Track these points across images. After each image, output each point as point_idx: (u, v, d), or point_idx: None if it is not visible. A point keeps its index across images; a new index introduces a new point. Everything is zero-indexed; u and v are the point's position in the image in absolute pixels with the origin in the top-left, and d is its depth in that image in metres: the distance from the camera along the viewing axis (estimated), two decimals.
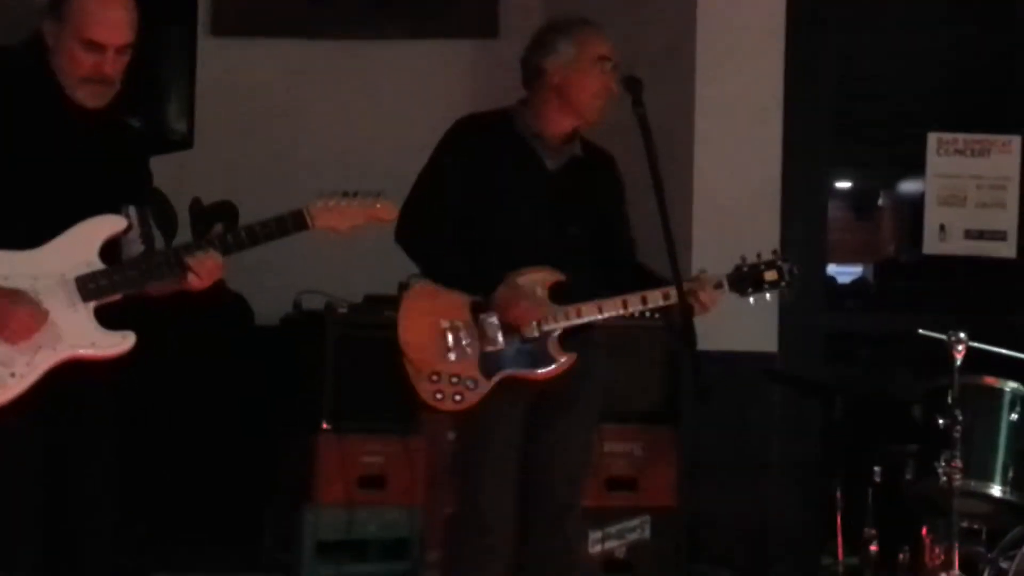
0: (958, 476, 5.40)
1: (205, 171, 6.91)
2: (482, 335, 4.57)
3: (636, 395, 6.37)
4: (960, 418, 5.41)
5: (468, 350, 4.57)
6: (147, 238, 4.06)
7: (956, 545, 5.40)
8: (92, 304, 3.91)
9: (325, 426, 6.22)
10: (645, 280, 4.68)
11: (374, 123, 7.43)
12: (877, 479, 5.82)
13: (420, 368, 4.59)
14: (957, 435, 5.41)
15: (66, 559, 4.00)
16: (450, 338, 4.57)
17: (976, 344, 5.49)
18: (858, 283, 11.35)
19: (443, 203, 4.61)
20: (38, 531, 3.95)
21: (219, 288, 4.15)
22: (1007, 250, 6.95)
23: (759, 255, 4.65)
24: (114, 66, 3.95)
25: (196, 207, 6.68)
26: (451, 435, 4.92)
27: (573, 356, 4.61)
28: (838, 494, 5.76)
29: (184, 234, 6.03)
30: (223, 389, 6.53)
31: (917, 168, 7.17)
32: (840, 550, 5.80)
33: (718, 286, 4.60)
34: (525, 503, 4.68)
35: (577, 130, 4.73)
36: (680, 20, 6.91)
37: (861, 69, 7.54)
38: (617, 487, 6.33)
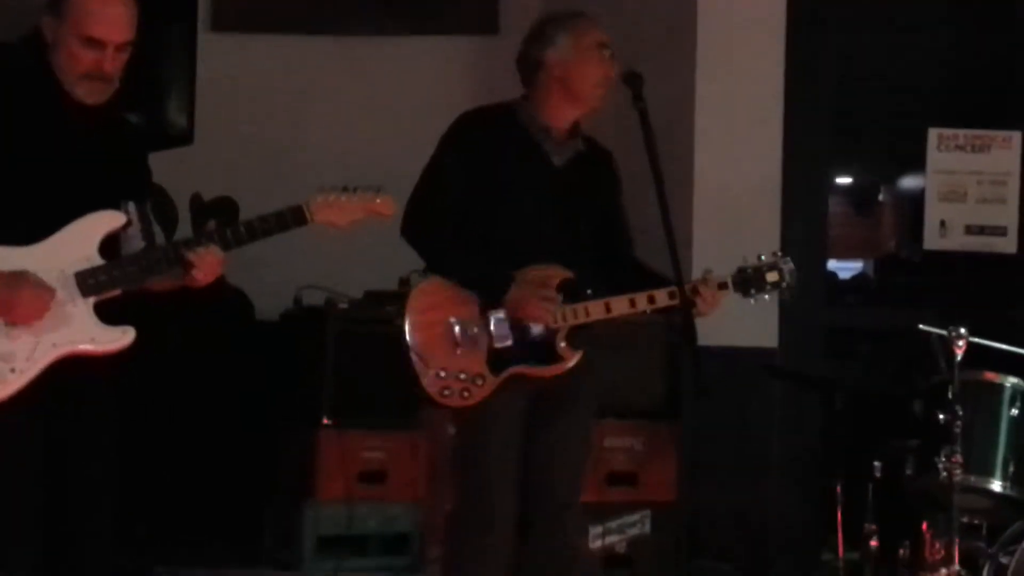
0: (958, 471, 5.39)
1: (205, 167, 6.91)
2: (490, 331, 4.57)
3: (637, 390, 6.37)
4: (960, 413, 5.40)
5: (476, 346, 4.57)
6: (147, 234, 4.06)
7: (956, 540, 5.39)
8: (92, 300, 3.91)
9: (325, 421, 6.22)
10: (644, 276, 4.69)
11: (374, 119, 7.42)
12: (877, 474, 5.81)
13: (428, 364, 4.58)
14: (957, 430, 5.40)
15: (66, 556, 3.99)
16: (458, 334, 4.57)
17: (977, 339, 5.49)
18: (858, 279, 11.36)
19: (449, 198, 4.60)
20: (38, 528, 3.94)
21: (219, 283, 4.15)
22: (1007, 246, 6.94)
23: (760, 256, 4.65)
24: (113, 63, 3.94)
25: (196, 202, 6.68)
26: (451, 430, 4.90)
27: (580, 354, 4.61)
28: (838, 489, 5.75)
29: (185, 229, 6.04)
30: (223, 385, 6.54)
31: (917, 164, 7.16)
32: (840, 545, 5.79)
33: (722, 287, 4.60)
34: (524, 502, 4.68)
35: (579, 122, 4.73)
36: (680, 16, 6.91)
37: (861, 65, 7.55)
38: (617, 482, 6.33)
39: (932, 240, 7.00)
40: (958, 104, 7.40)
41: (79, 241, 3.92)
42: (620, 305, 4.58)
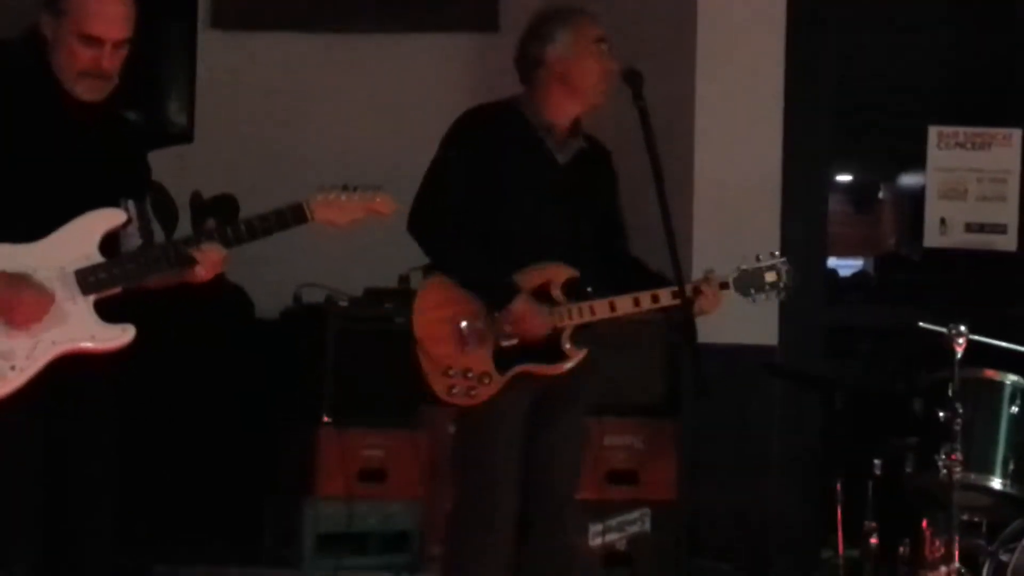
0: (958, 469, 5.39)
1: (205, 164, 6.91)
2: (497, 329, 4.57)
3: (637, 388, 6.37)
4: (960, 411, 5.40)
5: (482, 344, 4.57)
6: (146, 232, 4.05)
7: (956, 538, 5.39)
8: (92, 297, 3.91)
9: (325, 419, 6.22)
10: (641, 274, 4.71)
11: (374, 117, 7.42)
12: (877, 472, 5.81)
13: (436, 362, 4.57)
14: (957, 428, 5.40)
15: (66, 555, 3.99)
16: (465, 332, 4.56)
17: (976, 337, 5.49)
18: (859, 277, 11.35)
19: (455, 196, 4.59)
20: (38, 527, 3.94)
21: (219, 281, 4.15)
22: (1007, 243, 6.93)
23: (758, 256, 4.66)
24: (112, 61, 3.94)
25: (197, 200, 6.67)
26: (451, 428, 4.90)
27: (585, 352, 4.61)
28: (838, 487, 5.74)
29: (185, 227, 6.02)
30: (223, 383, 6.53)
31: (917, 162, 7.16)
32: (840, 543, 5.79)
33: (723, 286, 4.61)
34: (524, 501, 4.67)
35: (579, 119, 4.73)
36: (680, 16, 6.90)
37: (861, 64, 7.55)
38: (617, 480, 6.32)
39: (932, 238, 7.00)
40: (958, 102, 7.40)
41: (79, 239, 3.92)
42: (625, 304, 4.58)
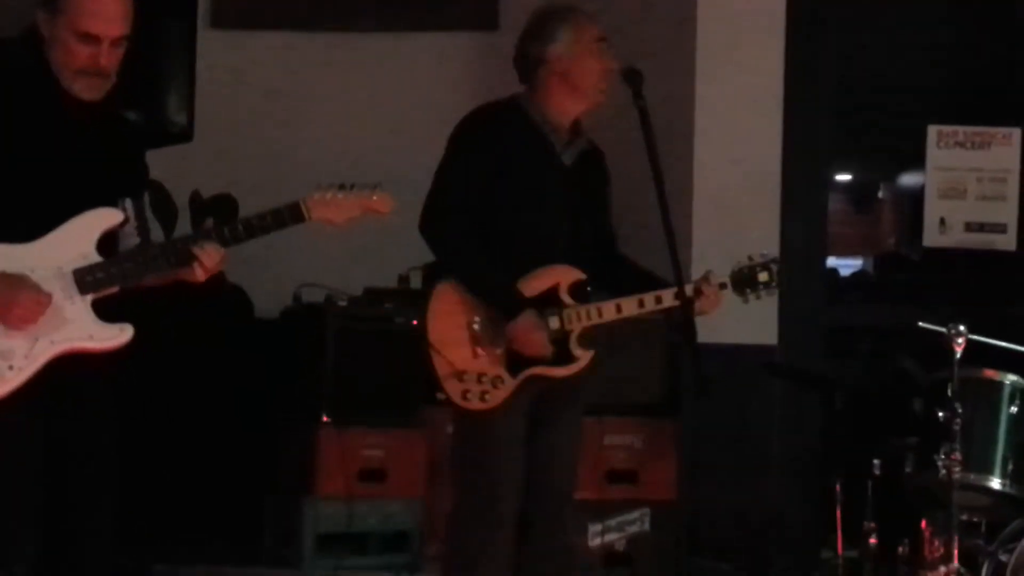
0: (958, 469, 5.38)
1: (205, 164, 6.90)
2: (507, 333, 4.56)
3: (637, 388, 6.37)
4: (960, 411, 5.39)
5: (494, 347, 4.56)
6: (143, 231, 4.04)
7: (956, 538, 5.39)
8: (90, 297, 3.90)
9: (325, 419, 6.20)
10: (634, 273, 4.73)
11: (373, 115, 7.41)
12: (877, 472, 5.81)
13: (450, 366, 4.56)
14: (957, 428, 5.39)
15: (65, 554, 3.98)
16: (478, 335, 4.56)
17: (976, 337, 5.48)
18: (858, 276, 11.35)
19: (466, 198, 4.58)
20: (37, 527, 3.93)
21: (219, 281, 4.14)
22: (1007, 243, 6.93)
23: (750, 257, 4.67)
24: (109, 58, 3.92)
25: (196, 199, 6.66)
26: (450, 428, 4.88)
27: (592, 353, 4.62)
28: (838, 487, 5.74)
29: (184, 226, 6.02)
30: (223, 382, 6.52)
31: (917, 161, 7.15)
32: (840, 543, 5.78)
33: (722, 287, 4.62)
34: (525, 500, 4.66)
35: (580, 119, 4.72)
36: (680, 16, 6.90)
37: (861, 64, 7.54)
38: (617, 480, 6.32)
39: (932, 237, 6.99)
40: (958, 101, 7.40)
41: (77, 238, 3.90)
42: (630, 306, 4.60)
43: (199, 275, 3.96)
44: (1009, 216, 6.92)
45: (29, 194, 3.88)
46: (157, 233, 4.21)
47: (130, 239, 4.01)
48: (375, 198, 4.11)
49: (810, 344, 6.91)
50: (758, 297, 4.67)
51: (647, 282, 4.62)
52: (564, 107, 4.67)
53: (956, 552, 5.38)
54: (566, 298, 4.60)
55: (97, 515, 4.03)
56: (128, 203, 4.00)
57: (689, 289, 4.50)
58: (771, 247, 4.98)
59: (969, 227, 6.94)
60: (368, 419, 6.25)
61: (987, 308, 6.54)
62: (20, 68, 3.96)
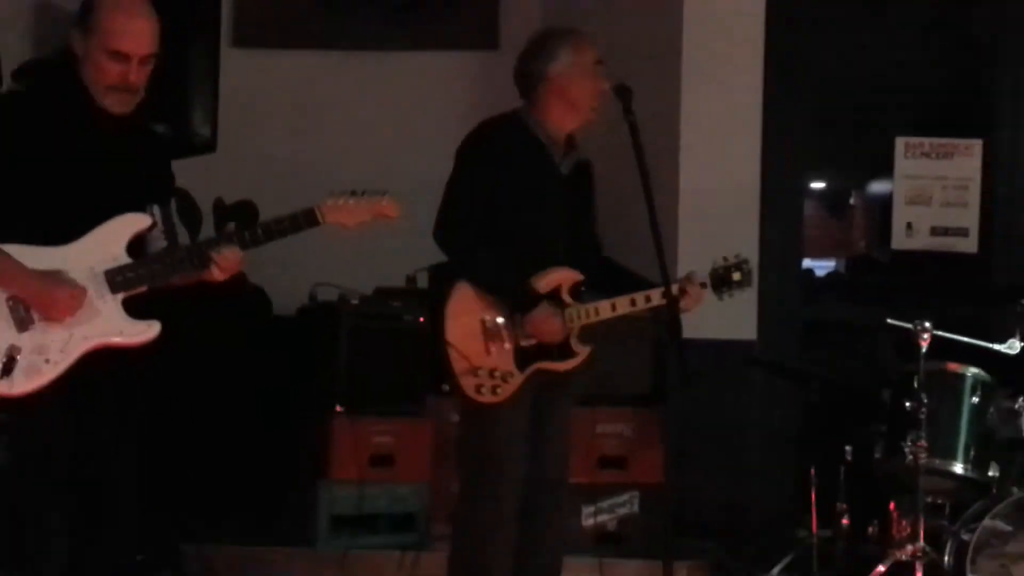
0: (923, 455, 5.39)
1: (227, 173, 6.89)
2: (518, 330, 4.58)
3: (627, 380, 6.36)
4: (925, 401, 5.40)
5: (505, 344, 4.57)
6: (170, 234, 4.04)
7: (921, 519, 5.39)
8: (120, 295, 3.90)
9: (339, 409, 6.19)
10: (619, 274, 4.76)
11: (382, 129, 7.40)
12: (848, 458, 5.81)
13: (465, 363, 4.56)
14: (923, 417, 5.40)
15: (94, 540, 3.97)
16: (491, 333, 4.57)
17: (940, 332, 5.48)
18: (832, 277, 11.32)
19: (475, 208, 4.59)
20: (67, 515, 3.92)
21: (240, 281, 4.14)
22: (969, 246, 6.93)
23: (724, 257, 4.69)
24: (138, 75, 3.93)
25: (219, 206, 6.66)
26: (455, 417, 4.88)
27: (590, 348, 4.65)
28: (812, 471, 5.74)
29: (208, 230, 6.02)
30: (245, 376, 6.51)
31: (886, 170, 7.15)
32: (814, 523, 5.78)
33: (703, 285, 4.64)
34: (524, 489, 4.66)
35: (574, 133, 4.73)
36: (667, 36, 6.89)
37: (834, 81, 7.53)
38: (608, 465, 6.31)
39: (900, 240, 7.00)
40: (924, 115, 7.40)
41: (108, 241, 3.91)
42: (623, 305, 4.63)
43: (215, 276, 3.96)
44: (971, 221, 6.92)
45: (64, 201, 3.89)
46: (184, 237, 4.21)
47: (158, 242, 4.01)
48: (384, 203, 4.11)
49: (787, 339, 6.90)
50: (731, 295, 4.69)
51: (632, 282, 4.65)
52: (561, 121, 4.69)
53: (922, 532, 5.39)
54: (567, 298, 4.62)
55: (125, 502, 4.02)
56: (156, 209, 4.01)
57: (675, 289, 4.51)
58: (751, 250, 4.97)
59: (934, 231, 6.94)
60: (378, 409, 6.24)
61: (951, 306, 6.53)
62: (56, 85, 3.97)
